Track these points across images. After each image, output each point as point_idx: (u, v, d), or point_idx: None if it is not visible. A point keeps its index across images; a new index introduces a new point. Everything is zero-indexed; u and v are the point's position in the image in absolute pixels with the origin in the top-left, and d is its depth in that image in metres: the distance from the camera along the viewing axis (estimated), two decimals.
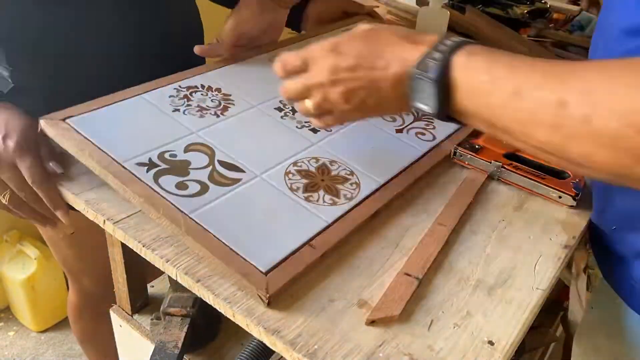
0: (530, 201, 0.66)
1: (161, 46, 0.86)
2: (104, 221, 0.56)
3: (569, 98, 0.37)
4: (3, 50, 0.75)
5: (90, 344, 1.11)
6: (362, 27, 0.52)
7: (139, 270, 0.71)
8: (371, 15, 1.07)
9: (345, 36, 0.52)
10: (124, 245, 0.64)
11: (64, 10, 0.75)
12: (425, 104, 0.46)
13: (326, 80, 0.51)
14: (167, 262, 0.51)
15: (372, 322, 0.47)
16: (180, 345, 0.62)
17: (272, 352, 0.62)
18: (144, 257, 0.54)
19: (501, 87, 0.41)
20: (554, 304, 1.11)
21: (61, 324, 1.63)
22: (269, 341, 0.46)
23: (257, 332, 0.46)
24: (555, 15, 1.37)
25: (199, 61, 0.87)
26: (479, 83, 0.43)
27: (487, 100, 0.42)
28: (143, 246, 0.53)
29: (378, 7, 1.10)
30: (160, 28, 0.86)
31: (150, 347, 0.66)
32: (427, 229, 0.59)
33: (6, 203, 0.62)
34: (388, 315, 0.47)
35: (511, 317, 0.49)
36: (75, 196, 0.59)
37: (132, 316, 0.73)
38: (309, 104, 0.54)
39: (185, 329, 0.64)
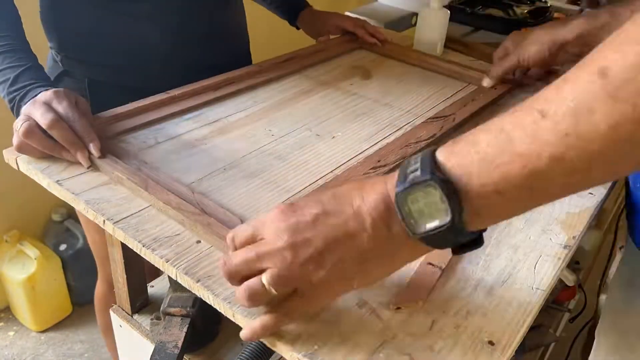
0: None
1: (203, 46, 0.92)
2: (104, 221, 0.56)
3: (605, 61, 0.32)
4: (57, 37, 0.87)
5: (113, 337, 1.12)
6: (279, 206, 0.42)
7: (139, 270, 0.71)
8: (364, 33, 1.09)
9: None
10: (124, 245, 0.64)
11: (115, 6, 0.82)
12: (435, 218, 0.37)
13: (285, 243, 0.40)
14: (167, 262, 0.51)
15: (397, 308, 0.48)
16: (180, 345, 0.62)
17: (272, 352, 0.62)
18: (144, 257, 0.54)
19: (517, 125, 0.35)
20: (554, 304, 1.11)
21: (61, 324, 1.63)
22: (269, 341, 0.46)
23: None
24: (555, 15, 1.37)
25: (242, 63, 0.96)
26: (484, 149, 0.35)
27: (508, 162, 0.34)
28: (143, 246, 0.53)
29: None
30: (207, 42, 0.92)
31: (150, 347, 0.66)
32: None
33: (19, 133, 0.61)
34: (414, 300, 0.48)
35: (511, 317, 0.49)
36: (75, 196, 0.59)
37: (132, 316, 0.74)
38: (265, 278, 0.41)
39: (185, 329, 0.64)
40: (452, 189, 0.36)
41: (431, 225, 0.37)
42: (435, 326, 0.48)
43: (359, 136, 0.77)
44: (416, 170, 0.37)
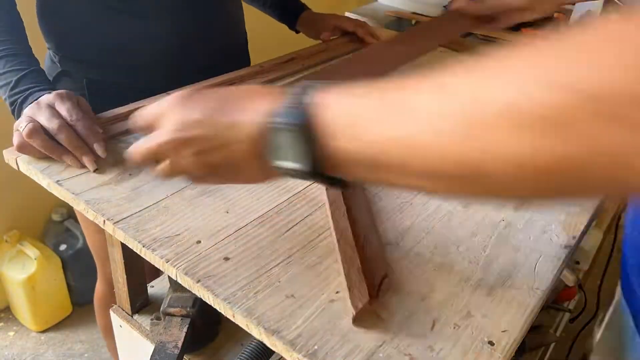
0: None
1: (204, 57, 0.92)
2: (104, 221, 0.56)
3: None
4: (55, 37, 0.87)
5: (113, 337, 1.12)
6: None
7: (139, 270, 0.71)
8: (364, 33, 1.09)
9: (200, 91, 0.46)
10: (124, 245, 0.64)
11: (113, 4, 0.82)
12: (291, 161, 0.37)
13: (175, 138, 0.44)
14: (167, 262, 0.51)
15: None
16: (180, 345, 0.62)
17: (272, 352, 0.62)
18: (144, 257, 0.54)
19: (392, 96, 0.34)
20: (554, 304, 1.11)
21: (61, 324, 1.63)
22: (269, 341, 0.46)
23: (257, 332, 0.46)
24: (555, 15, 1.37)
25: (240, 60, 0.99)
26: (353, 105, 0.35)
27: (377, 126, 0.33)
28: (143, 246, 0.53)
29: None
30: (205, 40, 0.91)
31: (150, 347, 0.66)
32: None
33: (23, 133, 0.61)
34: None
35: (511, 317, 0.49)
36: (75, 196, 0.59)
37: (132, 316, 0.74)
38: (160, 167, 0.47)
39: (185, 329, 0.64)
40: (311, 139, 0.36)
41: (285, 164, 0.38)
42: (435, 326, 0.48)
43: None
44: (292, 106, 0.37)
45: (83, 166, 0.63)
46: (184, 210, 0.59)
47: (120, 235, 0.55)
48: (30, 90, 0.68)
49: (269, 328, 0.46)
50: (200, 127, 0.42)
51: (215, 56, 0.94)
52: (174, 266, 0.51)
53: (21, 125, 0.62)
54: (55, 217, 1.61)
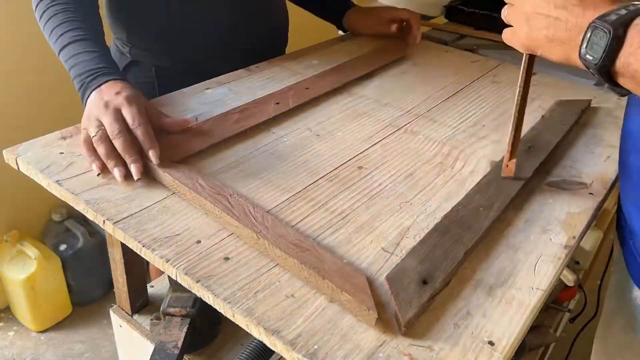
0: (530, 200, 0.66)
1: (250, 42, 0.98)
2: (104, 221, 0.56)
3: None
4: (126, 29, 0.94)
5: None
6: None
7: (139, 270, 0.71)
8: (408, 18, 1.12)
9: None
10: (124, 245, 0.64)
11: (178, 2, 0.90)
12: (593, 55, 0.47)
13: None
14: (167, 262, 0.51)
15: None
16: (180, 345, 0.63)
17: (272, 352, 0.62)
18: (144, 257, 0.54)
19: None
20: (554, 304, 1.11)
21: (61, 324, 1.63)
22: (269, 341, 0.46)
23: (257, 332, 0.46)
24: None
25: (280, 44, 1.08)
26: None
27: None
28: (143, 246, 0.53)
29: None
30: (256, 22, 0.98)
31: (150, 347, 0.66)
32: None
33: (94, 136, 0.63)
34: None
35: (511, 317, 0.49)
36: (75, 196, 0.59)
37: (132, 316, 0.74)
38: (505, 12, 0.57)
39: (185, 329, 0.64)
40: (614, 46, 0.45)
41: (587, 55, 0.47)
42: (435, 326, 0.48)
43: (359, 136, 0.77)
44: (619, 13, 0.46)
45: (128, 176, 0.62)
46: (184, 210, 0.59)
47: (120, 235, 0.55)
48: (100, 72, 0.70)
49: (268, 328, 0.46)
50: (547, 3, 0.51)
51: (262, 39, 1.00)
52: (174, 266, 0.51)
53: (91, 130, 0.64)
54: (55, 217, 1.61)
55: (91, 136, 0.64)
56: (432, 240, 0.56)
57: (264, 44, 1.01)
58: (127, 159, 0.62)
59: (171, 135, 0.69)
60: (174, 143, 0.68)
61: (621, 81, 0.46)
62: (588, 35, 0.47)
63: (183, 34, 0.92)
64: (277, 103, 0.80)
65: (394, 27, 1.11)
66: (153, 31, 0.92)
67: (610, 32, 0.45)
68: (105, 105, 0.65)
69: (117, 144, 0.63)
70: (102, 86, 0.68)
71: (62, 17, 0.75)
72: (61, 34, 0.74)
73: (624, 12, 0.46)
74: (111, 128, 0.63)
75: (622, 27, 0.45)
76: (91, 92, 0.68)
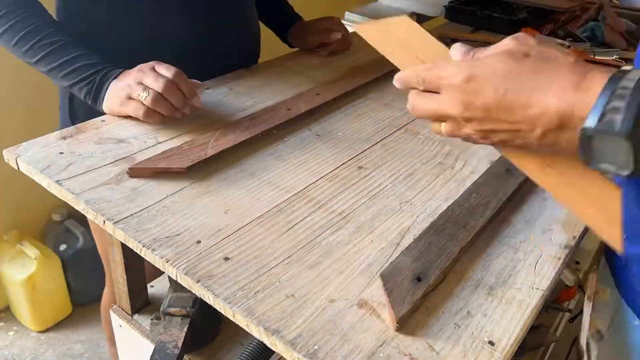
0: (530, 200, 0.66)
1: (218, 59, 0.91)
2: (104, 221, 0.56)
3: None
4: (79, 36, 0.80)
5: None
6: (508, 43, 0.43)
7: (139, 270, 0.71)
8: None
9: (487, 58, 0.43)
10: (124, 245, 0.64)
11: (132, 13, 0.83)
12: (612, 164, 0.37)
13: (458, 115, 0.43)
14: (167, 262, 0.51)
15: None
16: (180, 345, 0.62)
17: (272, 352, 0.62)
18: (144, 257, 0.54)
19: None
20: (554, 303, 1.11)
21: (61, 324, 1.63)
22: (269, 341, 0.46)
23: (257, 332, 0.46)
24: (556, 15, 1.37)
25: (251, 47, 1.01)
26: None
27: None
28: (143, 246, 0.53)
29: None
30: (220, 44, 0.90)
31: (150, 347, 0.66)
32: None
33: (146, 102, 0.69)
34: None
35: (511, 317, 0.49)
36: (75, 196, 0.59)
37: (132, 316, 0.74)
38: (442, 128, 0.46)
39: (185, 329, 0.64)
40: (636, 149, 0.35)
41: (606, 167, 0.37)
42: (435, 326, 0.48)
43: (359, 136, 0.77)
44: (617, 112, 0.35)
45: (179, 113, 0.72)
46: (184, 210, 0.59)
47: (120, 235, 0.55)
48: (108, 69, 0.73)
49: (269, 328, 0.46)
50: (485, 111, 0.42)
51: (230, 54, 0.93)
52: (174, 266, 0.51)
53: (140, 95, 0.69)
54: (55, 217, 1.61)
55: (142, 99, 0.69)
56: (427, 239, 0.56)
57: (232, 59, 0.94)
58: (180, 107, 0.71)
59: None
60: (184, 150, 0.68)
61: None
62: (590, 145, 0.37)
63: (140, 44, 0.84)
64: (289, 109, 0.80)
65: (336, 35, 1.02)
66: (106, 41, 0.83)
67: (626, 137, 0.35)
68: (139, 70, 0.71)
69: (170, 96, 0.70)
70: (119, 75, 0.72)
71: (24, 26, 0.73)
72: (34, 43, 0.73)
73: (618, 103, 0.35)
74: (158, 84, 0.69)
75: (635, 122, 0.35)
76: (109, 83, 0.72)
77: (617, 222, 0.42)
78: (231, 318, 0.48)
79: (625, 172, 0.36)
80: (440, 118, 0.45)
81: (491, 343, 0.46)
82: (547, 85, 0.39)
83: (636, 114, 0.34)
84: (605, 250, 0.66)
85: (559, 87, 0.38)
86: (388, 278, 0.50)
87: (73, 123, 0.79)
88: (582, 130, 0.37)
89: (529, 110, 0.39)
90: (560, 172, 0.44)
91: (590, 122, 0.36)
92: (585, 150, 0.37)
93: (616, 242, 0.42)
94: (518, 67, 0.41)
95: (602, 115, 0.36)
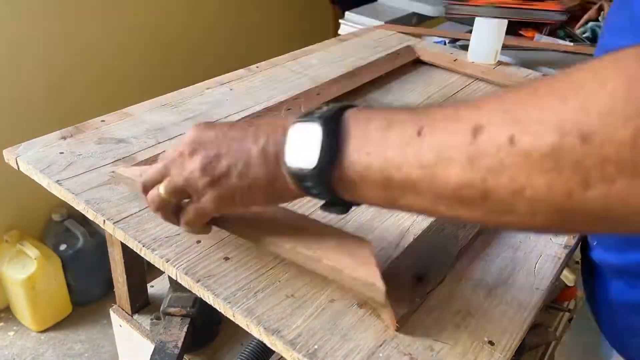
0: None
1: None
2: (104, 221, 0.56)
3: (484, 121, 0.30)
4: None
5: None
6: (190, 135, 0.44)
7: (139, 270, 0.71)
8: None
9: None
10: (124, 245, 0.64)
11: None
12: (305, 158, 0.36)
13: (186, 149, 0.43)
14: (167, 262, 0.51)
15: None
16: (180, 345, 0.62)
17: (272, 352, 0.62)
18: (144, 257, 0.54)
19: (400, 131, 0.34)
20: (554, 303, 1.11)
21: (61, 324, 1.63)
22: (269, 341, 0.46)
23: (257, 332, 0.46)
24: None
25: None
26: (373, 130, 0.35)
27: (384, 149, 0.34)
28: (143, 246, 0.53)
29: None
30: None
31: (150, 347, 0.66)
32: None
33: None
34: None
35: (511, 317, 0.49)
36: (75, 196, 0.59)
37: (132, 316, 0.74)
38: (162, 185, 0.45)
39: (185, 329, 0.64)
40: (331, 140, 0.36)
41: (298, 163, 0.37)
42: (435, 326, 0.48)
43: None
44: (321, 110, 0.37)
45: None
46: None
47: (120, 235, 0.55)
48: None
49: (269, 328, 0.46)
50: (214, 139, 0.42)
51: None
52: (174, 266, 0.51)
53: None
54: (55, 217, 1.61)
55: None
56: (426, 238, 0.56)
57: None
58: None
59: None
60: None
61: (350, 188, 0.37)
62: (291, 134, 0.38)
63: None
64: (289, 109, 0.80)
65: None
66: None
67: (322, 121, 0.36)
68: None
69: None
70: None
71: None
72: None
73: (325, 107, 0.38)
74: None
75: (333, 120, 0.36)
76: None
77: (371, 263, 0.44)
78: (231, 318, 0.48)
79: (315, 167, 0.36)
80: (164, 171, 0.45)
81: (491, 343, 0.46)
82: (272, 124, 0.42)
83: (334, 111, 0.37)
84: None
85: (271, 119, 0.43)
86: (388, 278, 0.50)
87: None
88: (289, 124, 0.38)
89: (251, 127, 0.42)
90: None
91: (298, 117, 0.38)
92: (288, 140, 0.38)
93: (377, 280, 0.43)
94: (240, 123, 0.44)
95: (308, 114, 0.37)
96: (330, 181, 0.37)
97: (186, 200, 0.46)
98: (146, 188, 0.47)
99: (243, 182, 0.41)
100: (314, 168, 0.36)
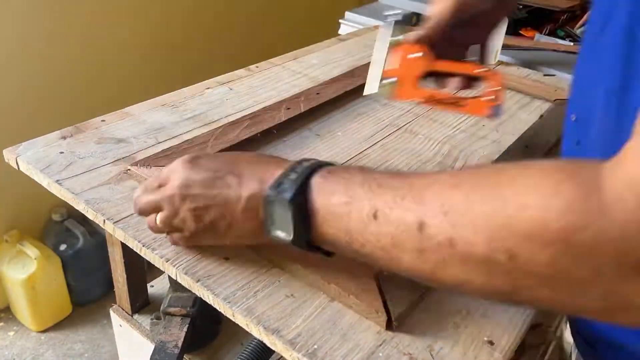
0: None
1: None
2: (104, 221, 0.56)
3: (428, 219, 0.34)
4: None
5: None
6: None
7: (139, 270, 0.71)
8: None
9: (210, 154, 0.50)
10: (124, 245, 0.64)
11: None
12: (283, 231, 0.43)
13: (177, 193, 0.47)
14: (167, 261, 0.51)
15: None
16: (180, 345, 0.63)
17: (272, 352, 0.62)
18: (144, 257, 0.54)
19: (359, 210, 0.38)
20: None
21: (61, 324, 1.63)
22: (269, 341, 0.46)
23: (257, 332, 0.46)
24: (556, 15, 1.37)
25: None
26: (336, 205, 0.40)
27: (346, 225, 0.39)
28: (143, 246, 0.53)
29: None
30: None
31: (150, 347, 0.66)
32: None
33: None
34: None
35: (511, 317, 0.49)
36: (75, 196, 0.59)
37: (132, 316, 0.74)
38: (158, 218, 0.49)
39: (185, 329, 0.64)
40: (302, 217, 0.41)
41: (278, 234, 0.43)
42: (435, 326, 0.48)
43: (359, 136, 0.77)
44: (291, 179, 0.42)
45: None
46: None
47: (120, 235, 0.55)
48: None
49: (268, 327, 0.46)
50: (202, 186, 0.46)
51: None
52: (174, 265, 0.51)
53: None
54: (55, 217, 1.61)
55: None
56: None
57: None
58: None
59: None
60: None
61: (328, 248, 0.43)
62: (268, 210, 0.43)
63: None
64: (288, 108, 0.80)
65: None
66: None
67: (289, 203, 0.41)
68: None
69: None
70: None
71: None
72: None
73: (293, 175, 0.42)
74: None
75: (300, 195, 0.41)
76: None
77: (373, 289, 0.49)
78: (231, 318, 0.48)
79: (289, 239, 0.42)
80: (160, 204, 0.49)
81: (491, 343, 0.46)
82: (253, 163, 0.47)
83: (300, 183, 0.41)
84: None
85: (260, 165, 0.46)
86: (385, 277, 0.50)
87: None
88: (264, 196, 0.43)
89: (237, 177, 0.46)
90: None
91: (271, 189, 0.43)
92: (267, 214, 0.43)
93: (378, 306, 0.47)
94: (231, 154, 0.51)
95: (279, 184, 0.42)
96: (310, 244, 0.43)
97: None
98: (142, 212, 0.51)
99: (232, 231, 0.47)
100: (292, 240, 0.42)
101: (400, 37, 0.59)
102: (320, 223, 0.41)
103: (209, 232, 0.48)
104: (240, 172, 0.46)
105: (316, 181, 0.41)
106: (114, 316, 0.75)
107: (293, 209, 0.41)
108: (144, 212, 0.51)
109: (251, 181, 0.45)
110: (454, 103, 0.58)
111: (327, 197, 0.40)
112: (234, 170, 0.46)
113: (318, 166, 0.43)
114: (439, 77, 0.59)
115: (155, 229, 0.51)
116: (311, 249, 0.43)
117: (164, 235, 0.54)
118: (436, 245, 0.34)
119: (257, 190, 0.44)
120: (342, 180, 0.41)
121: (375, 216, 0.37)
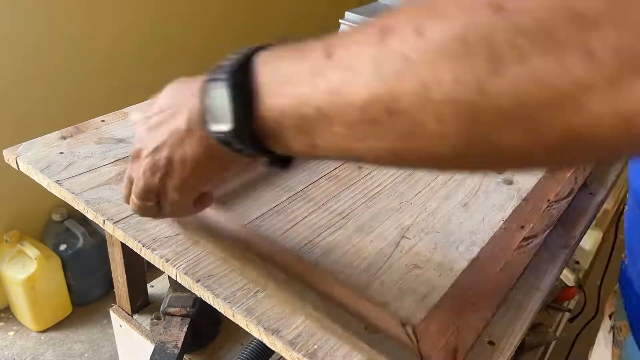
0: None
1: None
2: (104, 221, 0.56)
3: (393, 19, 0.27)
4: None
5: None
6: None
7: (139, 270, 0.71)
8: None
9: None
10: (124, 245, 0.64)
11: None
12: (222, 123, 0.34)
13: (134, 152, 0.44)
14: (167, 262, 0.51)
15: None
16: (180, 345, 0.63)
17: (272, 352, 0.62)
18: (144, 257, 0.54)
19: (312, 57, 0.30)
20: (554, 303, 1.11)
21: (61, 324, 1.63)
22: (269, 341, 0.46)
23: (257, 332, 0.46)
24: None
25: None
26: (285, 67, 0.32)
27: (295, 87, 0.31)
28: (143, 246, 0.53)
29: None
30: None
31: (150, 347, 0.66)
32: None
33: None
34: None
35: (511, 317, 0.49)
36: (75, 196, 0.59)
37: (132, 316, 0.74)
38: (132, 197, 0.46)
39: (185, 329, 0.64)
40: (242, 94, 0.33)
41: (218, 128, 0.35)
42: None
43: None
44: (230, 62, 0.34)
45: None
46: None
47: (120, 235, 0.55)
48: None
49: (268, 327, 0.46)
50: (150, 134, 0.42)
51: None
52: (174, 266, 0.51)
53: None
54: (55, 217, 1.61)
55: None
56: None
57: None
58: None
59: None
60: None
61: (274, 137, 0.33)
62: (205, 102, 0.35)
63: None
64: None
65: None
66: None
67: (229, 80, 0.33)
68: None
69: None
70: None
71: None
72: None
73: (233, 57, 0.34)
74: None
75: (240, 72, 0.33)
76: None
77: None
78: (231, 318, 0.48)
79: (229, 128, 0.34)
80: (130, 180, 0.45)
81: (491, 343, 0.46)
82: (193, 80, 0.40)
83: (240, 59, 0.33)
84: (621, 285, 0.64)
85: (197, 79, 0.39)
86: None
87: None
88: (199, 87, 0.36)
89: (178, 98, 0.41)
90: None
91: (206, 78, 0.35)
92: (204, 109, 0.36)
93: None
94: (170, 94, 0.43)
95: (214, 71, 0.35)
96: (255, 137, 0.34)
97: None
98: (126, 198, 0.47)
99: (187, 164, 0.40)
100: (232, 129, 0.34)
101: None
102: (265, 97, 0.32)
103: (169, 178, 0.42)
104: (180, 92, 0.41)
105: (260, 56, 0.34)
106: (114, 316, 0.75)
107: (231, 86, 0.33)
108: (126, 195, 0.47)
109: (189, 93, 0.39)
110: None
111: (273, 65, 0.33)
112: (177, 92, 0.42)
113: (264, 46, 0.35)
114: None
115: (138, 209, 0.46)
116: (258, 151, 0.35)
117: (164, 235, 0.54)
118: (399, 44, 0.26)
119: (194, 98, 0.38)
120: (295, 46, 0.33)
121: (329, 55, 0.29)
